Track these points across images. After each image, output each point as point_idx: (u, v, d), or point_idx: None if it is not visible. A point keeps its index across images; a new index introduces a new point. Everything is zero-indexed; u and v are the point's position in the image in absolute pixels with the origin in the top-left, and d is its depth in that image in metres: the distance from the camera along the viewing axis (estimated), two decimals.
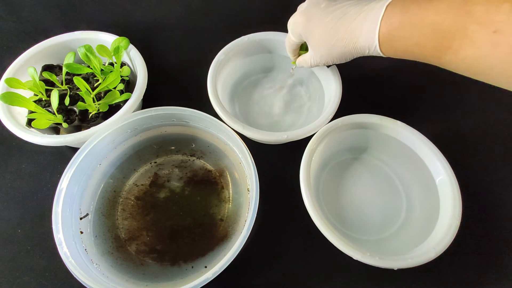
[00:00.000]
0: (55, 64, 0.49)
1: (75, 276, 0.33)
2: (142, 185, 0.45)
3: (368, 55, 0.37)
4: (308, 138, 0.42)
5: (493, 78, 0.28)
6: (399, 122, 0.43)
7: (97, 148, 0.41)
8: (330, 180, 0.46)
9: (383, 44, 0.34)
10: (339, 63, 0.41)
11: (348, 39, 0.36)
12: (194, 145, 0.47)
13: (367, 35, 0.34)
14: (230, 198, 0.44)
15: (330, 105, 0.44)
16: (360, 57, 0.45)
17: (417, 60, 0.34)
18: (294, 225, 0.44)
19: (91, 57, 0.45)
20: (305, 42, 0.43)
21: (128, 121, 0.41)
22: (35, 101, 0.45)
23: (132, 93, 0.45)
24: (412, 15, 0.30)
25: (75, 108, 0.45)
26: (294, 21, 0.40)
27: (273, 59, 0.52)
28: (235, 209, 0.43)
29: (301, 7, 0.40)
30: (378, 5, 0.33)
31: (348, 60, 0.39)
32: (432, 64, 0.32)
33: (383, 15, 0.32)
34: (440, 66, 0.32)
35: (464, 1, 0.27)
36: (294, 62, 0.47)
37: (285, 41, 0.44)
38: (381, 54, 0.35)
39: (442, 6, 0.28)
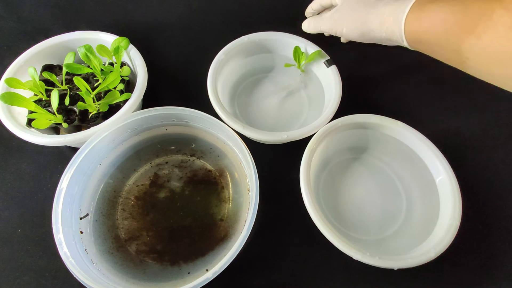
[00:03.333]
0: (55, 64, 0.49)
1: (75, 276, 0.33)
2: (142, 185, 0.45)
3: (386, 34, 0.36)
4: (308, 138, 0.42)
5: (510, 71, 0.28)
6: (399, 122, 0.43)
7: (97, 148, 0.41)
8: (330, 180, 0.46)
9: (411, 14, 0.33)
10: (357, 33, 0.40)
11: (381, 6, 0.36)
12: (194, 145, 0.47)
13: (400, 3, 0.34)
14: (230, 198, 0.44)
15: (330, 105, 0.44)
16: (360, 57, 0.46)
17: (434, 48, 0.33)
18: (294, 225, 0.44)
19: (91, 57, 0.45)
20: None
21: (128, 121, 0.41)
22: (35, 101, 0.45)
23: (132, 93, 0.45)
24: None
25: (75, 108, 0.45)
26: None
27: (273, 59, 0.52)
28: (235, 209, 0.43)
29: None
30: None
31: (360, 35, 0.39)
32: (446, 54, 0.32)
33: None
34: (454, 57, 0.31)
35: None
36: (299, 68, 0.48)
37: None
38: (402, 31, 0.35)
39: None
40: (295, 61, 0.50)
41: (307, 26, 0.45)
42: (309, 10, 0.46)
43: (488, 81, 0.31)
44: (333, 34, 0.44)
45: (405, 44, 0.37)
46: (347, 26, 0.39)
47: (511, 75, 0.28)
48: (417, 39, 0.34)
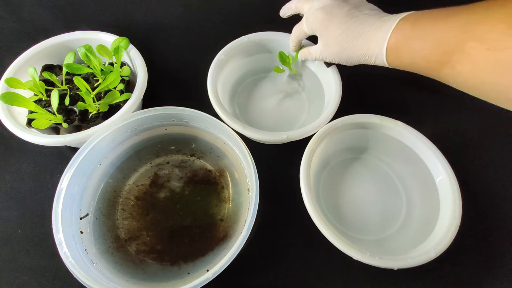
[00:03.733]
0: (55, 64, 0.49)
1: (75, 276, 0.33)
2: (142, 185, 0.45)
3: (373, 64, 0.39)
4: (308, 138, 0.42)
5: (484, 92, 0.31)
6: (399, 122, 0.43)
7: (97, 148, 0.41)
8: (330, 180, 0.46)
9: (390, 54, 0.36)
10: (342, 63, 0.42)
11: (360, 45, 0.38)
12: (194, 145, 0.47)
13: (376, 44, 0.36)
14: (230, 198, 0.44)
15: (330, 105, 0.44)
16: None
17: (419, 73, 0.36)
18: (294, 225, 0.44)
19: (91, 57, 0.45)
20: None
21: (128, 121, 0.41)
22: (35, 101, 0.45)
23: (132, 93, 0.45)
24: (421, 30, 0.33)
25: (75, 108, 0.45)
26: (314, 15, 0.41)
27: (273, 59, 0.52)
28: (235, 209, 0.43)
29: (321, 2, 0.40)
30: (392, 18, 0.36)
31: (352, 64, 0.41)
32: (432, 77, 0.35)
33: (394, 27, 0.35)
34: (439, 79, 0.34)
35: (468, 20, 0.29)
36: (290, 63, 0.48)
37: (294, 29, 0.45)
38: (386, 64, 0.37)
39: (448, 24, 0.30)
40: (285, 65, 0.50)
41: (304, 58, 0.48)
42: (284, 11, 0.47)
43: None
44: None
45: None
46: (339, 62, 0.42)
47: (491, 96, 0.31)
48: (404, 69, 0.37)
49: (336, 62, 0.42)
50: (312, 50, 0.44)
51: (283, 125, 0.50)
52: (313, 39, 0.46)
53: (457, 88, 0.33)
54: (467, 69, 0.30)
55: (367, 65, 0.40)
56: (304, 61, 0.50)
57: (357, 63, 0.40)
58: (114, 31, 0.49)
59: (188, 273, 0.39)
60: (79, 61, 0.48)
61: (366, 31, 0.37)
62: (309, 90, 0.52)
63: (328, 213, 0.43)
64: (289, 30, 0.49)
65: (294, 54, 0.49)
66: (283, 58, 0.50)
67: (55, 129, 0.46)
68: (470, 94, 0.32)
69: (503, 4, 0.27)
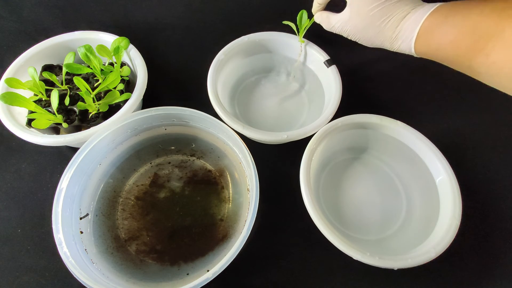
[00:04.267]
0: (55, 64, 0.49)
1: (75, 276, 0.33)
2: (142, 185, 0.45)
3: (396, 49, 0.37)
4: (308, 138, 0.42)
5: None
6: (399, 122, 0.43)
7: (97, 148, 0.41)
8: (330, 180, 0.46)
9: (420, 38, 0.34)
10: (361, 42, 0.40)
11: (392, 25, 0.36)
12: (194, 145, 0.47)
13: (409, 25, 0.35)
14: (230, 198, 0.44)
15: (330, 105, 0.44)
16: (361, 57, 0.45)
17: (445, 63, 0.34)
18: (294, 225, 0.44)
19: (91, 57, 0.45)
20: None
21: (128, 121, 0.41)
22: (35, 101, 0.45)
23: (132, 93, 0.45)
24: (456, 14, 0.31)
25: (75, 108, 0.45)
26: None
27: (273, 59, 0.52)
28: (235, 209, 0.43)
29: None
30: (430, 4, 0.34)
31: (372, 45, 0.39)
32: (458, 68, 0.33)
33: (432, 10, 0.33)
34: (467, 71, 0.32)
35: (509, 6, 0.28)
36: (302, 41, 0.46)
37: None
38: (411, 50, 0.36)
39: (486, 9, 0.29)
40: (299, 27, 0.48)
41: (319, 21, 0.44)
42: (315, 6, 0.45)
43: (502, 90, 0.32)
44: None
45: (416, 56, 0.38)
46: (359, 39, 0.40)
47: None
48: (429, 57, 0.36)
49: (354, 39, 0.40)
50: (332, 18, 0.41)
51: (283, 125, 0.50)
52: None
53: (485, 80, 0.31)
54: (503, 57, 0.28)
55: (367, 65, 0.40)
56: (304, 62, 0.50)
57: (378, 45, 0.39)
58: (114, 31, 0.49)
59: (188, 274, 0.39)
60: (79, 61, 0.48)
61: (402, 11, 0.35)
62: (309, 90, 0.52)
63: (328, 213, 0.43)
64: (289, 30, 0.49)
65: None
66: (300, 19, 0.47)
67: (55, 129, 0.46)
68: (499, 87, 0.31)
69: None
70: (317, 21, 0.44)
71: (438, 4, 0.34)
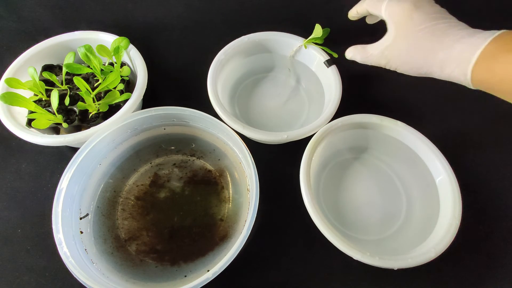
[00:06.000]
0: (55, 64, 0.49)
1: (75, 276, 0.33)
2: (142, 185, 0.45)
3: (448, 75, 0.33)
4: (308, 138, 0.42)
5: None
6: (399, 122, 0.43)
7: (97, 148, 0.41)
8: (330, 180, 0.46)
9: (481, 63, 0.30)
10: (406, 72, 0.36)
11: (445, 45, 0.32)
12: (194, 145, 0.47)
13: (468, 47, 0.31)
14: (230, 198, 0.44)
15: (330, 105, 0.44)
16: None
17: (507, 97, 0.30)
18: (294, 225, 0.44)
19: (91, 57, 0.45)
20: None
21: (128, 121, 0.41)
22: (35, 101, 0.45)
23: (132, 93, 0.45)
24: None
25: (75, 108, 0.45)
26: (399, 2, 0.35)
27: (273, 59, 0.52)
28: (235, 209, 0.43)
29: None
30: (491, 31, 0.31)
31: (419, 74, 0.35)
32: None
33: (494, 37, 0.29)
34: None
35: None
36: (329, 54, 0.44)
37: (369, 1, 0.39)
38: (467, 77, 0.31)
39: None
40: (317, 41, 0.47)
41: (352, 55, 0.40)
42: (353, 13, 0.42)
43: None
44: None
45: (470, 86, 0.34)
46: (401, 66, 0.35)
47: None
48: (487, 87, 0.31)
49: (395, 66, 0.36)
50: (369, 46, 0.37)
51: (283, 125, 0.50)
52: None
53: None
54: None
55: (367, 65, 0.40)
56: (304, 62, 0.50)
57: (424, 72, 0.34)
58: (114, 31, 0.49)
59: (187, 274, 0.39)
60: (79, 61, 0.48)
61: (456, 33, 0.31)
62: (309, 90, 0.52)
63: (328, 213, 0.43)
64: (289, 30, 0.49)
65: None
66: (320, 33, 0.45)
67: (55, 129, 0.46)
68: None
69: None
70: (348, 57, 0.41)
71: (502, 31, 0.30)
